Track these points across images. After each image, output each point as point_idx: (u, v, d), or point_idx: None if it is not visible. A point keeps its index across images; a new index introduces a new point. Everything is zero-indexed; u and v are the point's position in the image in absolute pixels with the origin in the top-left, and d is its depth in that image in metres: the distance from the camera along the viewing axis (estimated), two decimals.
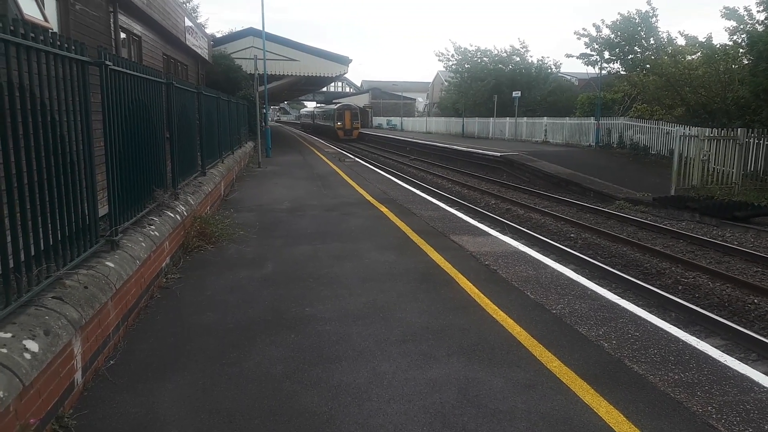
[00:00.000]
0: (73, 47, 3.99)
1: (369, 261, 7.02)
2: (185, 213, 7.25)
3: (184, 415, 3.42)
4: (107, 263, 4.34)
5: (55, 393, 3.17)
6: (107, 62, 4.60)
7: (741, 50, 21.33)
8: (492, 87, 43.01)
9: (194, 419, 3.37)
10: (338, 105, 56.85)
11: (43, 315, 3.24)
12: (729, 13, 20.29)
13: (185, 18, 17.10)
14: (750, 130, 16.33)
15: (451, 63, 48.79)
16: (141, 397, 3.62)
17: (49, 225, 3.58)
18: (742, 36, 20.56)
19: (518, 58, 45.82)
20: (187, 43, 17.32)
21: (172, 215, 6.63)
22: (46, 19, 7.13)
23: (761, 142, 15.89)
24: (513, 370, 4.06)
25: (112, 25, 9.95)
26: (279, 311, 5.21)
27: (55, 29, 7.49)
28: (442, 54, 49.11)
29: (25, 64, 3.25)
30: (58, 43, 3.74)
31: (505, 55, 46.19)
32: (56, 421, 3.18)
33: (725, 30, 29.05)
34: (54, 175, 3.65)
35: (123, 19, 10.78)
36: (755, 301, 7.87)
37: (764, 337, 6.57)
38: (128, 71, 5.32)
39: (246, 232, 8.56)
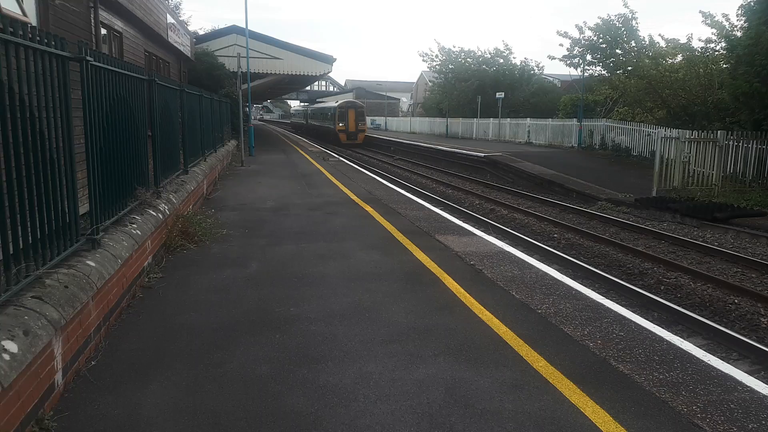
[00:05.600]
0: (53, 42, 3.91)
1: (354, 261, 6.98)
2: (168, 212, 7.16)
3: (168, 416, 3.36)
4: (88, 262, 4.25)
5: (34, 395, 3.10)
6: (88, 58, 4.51)
7: (718, 53, 21.69)
8: (476, 88, 43.26)
9: (178, 421, 3.31)
10: (339, 102, 45.68)
11: (23, 315, 3.17)
12: (710, 22, 20.61)
13: (167, 15, 16.91)
14: (729, 132, 16.58)
15: (435, 63, 48.99)
16: (123, 398, 3.55)
17: (29, 223, 3.50)
18: (720, 43, 20.93)
19: (502, 60, 46.18)
20: (170, 40, 17.13)
21: (154, 214, 6.54)
22: (24, 14, 7.00)
23: (740, 144, 16.14)
24: (500, 369, 4.05)
25: (92, 21, 9.79)
26: (264, 311, 5.16)
27: (34, 24, 7.35)
28: (426, 54, 49.16)
29: (3, 58, 3.16)
30: (38, 37, 3.65)
31: (488, 56, 46.51)
32: (36, 423, 3.11)
33: (699, 40, 29.64)
34: (33, 172, 3.56)
35: (104, 15, 10.62)
36: (735, 301, 7.97)
37: (745, 336, 6.65)
38: (109, 67, 5.22)
39: (229, 231, 8.48)
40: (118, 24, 11.95)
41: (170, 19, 17.36)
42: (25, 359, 2.95)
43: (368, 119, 65.65)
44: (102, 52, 7.26)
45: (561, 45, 28.07)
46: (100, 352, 4.17)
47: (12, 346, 2.89)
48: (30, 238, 3.53)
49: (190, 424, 3.29)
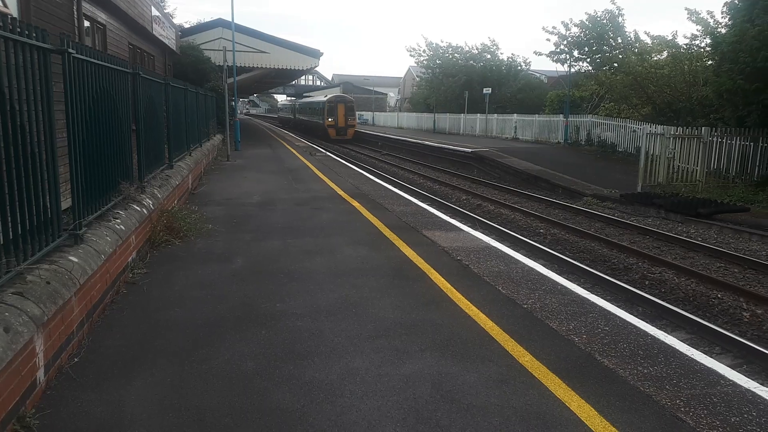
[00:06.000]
0: (34, 34, 3.84)
1: (341, 256, 6.96)
2: (152, 206, 7.09)
3: (152, 413, 3.32)
4: (71, 258, 4.20)
5: (16, 392, 3.05)
6: (70, 50, 4.44)
7: (704, 50, 21.89)
8: (463, 83, 43.28)
9: (162, 418, 3.28)
10: (328, 96, 44.44)
11: (3, 311, 3.12)
12: (695, 19, 20.77)
13: (152, 7, 16.71)
14: (713, 128, 16.74)
15: (422, 58, 48.88)
16: (106, 395, 3.51)
17: (9, 218, 3.44)
18: (705, 40, 21.11)
19: (489, 55, 46.23)
20: (154, 32, 16.94)
21: (138, 209, 6.47)
22: (5, 5, 6.88)
23: (724, 140, 16.31)
24: (486, 364, 4.06)
25: (75, 13, 9.65)
26: (249, 307, 5.13)
27: (15, 15, 7.22)
28: (414, 49, 49.01)
29: None
30: (18, 29, 3.59)
31: (476, 51, 46.52)
32: (18, 421, 3.06)
33: (684, 37, 29.95)
34: (14, 166, 3.50)
35: (87, 7, 10.47)
36: (718, 295, 8.06)
37: (728, 330, 6.73)
38: (92, 60, 5.15)
39: (215, 226, 8.42)
40: (102, 16, 11.79)
41: (155, 12, 17.17)
42: (6, 356, 2.90)
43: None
44: (85, 44, 7.15)
45: (548, 40, 28.06)
46: (83, 349, 4.12)
47: None
48: (11, 233, 3.47)
49: (175, 421, 3.26)
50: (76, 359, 3.96)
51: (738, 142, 16.11)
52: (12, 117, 3.48)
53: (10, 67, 3.46)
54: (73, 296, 3.99)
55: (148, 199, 7.06)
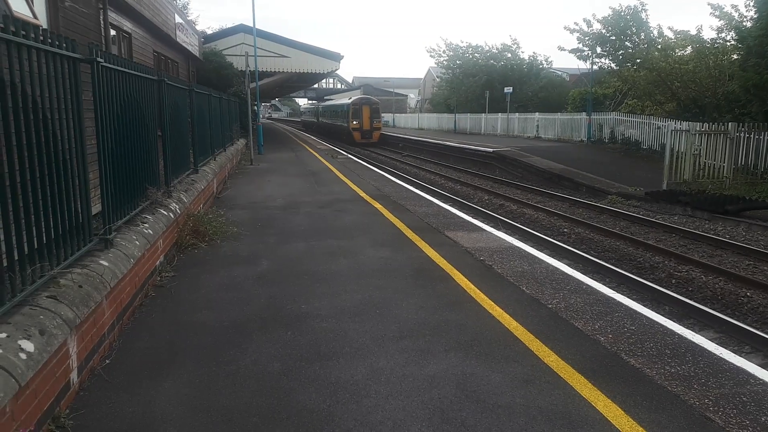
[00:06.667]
0: (64, 44, 3.95)
1: (364, 257, 7.00)
2: (178, 211, 7.21)
3: (182, 413, 3.40)
4: (101, 262, 4.30)
5: (51, 393, 3.15)
6: (98, 59, 4.56)
7: (729, 44, 21.51)
8: (484, 83, 43.10)
9: (192, 418, 3.35)
10: (353, 99, 43.37)
11: (38, 314, 3.21)
12: (719, 14, 20.44)
13: (175, 14, 16.99)
14: (740, 124, 16.43)
15: (442, 59, 48.82)
16: (137, 396, 3.59)
17: (43, 224, 3.55)
18: (730, 33, 20.76)
19: (510, 54, 45.96)
20: (178, 39, 17.21)
21: (165, 213, 6.59)
22: (35, 16, 7.06)
23: (751, 136, 15.99)
24: (511, 364, 4.06)
25: (101, 22, 9.86)
26: (274, 309, 5.19)
27: (45, 26, 7.41)
28: (434, 50, 48.95)
29: (15, 61, 3.20)
30: (49, 40, 3.70)
31: (496, 51, 46.30)
32: (53, 421, 3.15)
33: (711, 29, 29.48)
34: (47, 173, 3.61)
35: (113, 16, 10.69)
36: (747, 294, 7.91)
37: (757, 329, 6.61)
38: (120, 68, 5.27)
39: (239, 229, 8.52)
40: (127, 25, 12.03)
41: (178, 19, 17.45)
42: (42, 358, 2.99)
43: None
44: (111, 53, 7.31)
45: (572, 32, 27.59)
46: (114, 351, 4.22)
47: (29, 346, 2.93)
48: (44, 238, 3.57)
49: (204, 420, 3.33)
50: (107, 361, 4.05)
51: (766, 137, 15.78)
52: (44, 125, 3.58)
53: (42, 76, 3.57)
54: (104, 299, 4.09)
55: (174, 204, 7.18)
